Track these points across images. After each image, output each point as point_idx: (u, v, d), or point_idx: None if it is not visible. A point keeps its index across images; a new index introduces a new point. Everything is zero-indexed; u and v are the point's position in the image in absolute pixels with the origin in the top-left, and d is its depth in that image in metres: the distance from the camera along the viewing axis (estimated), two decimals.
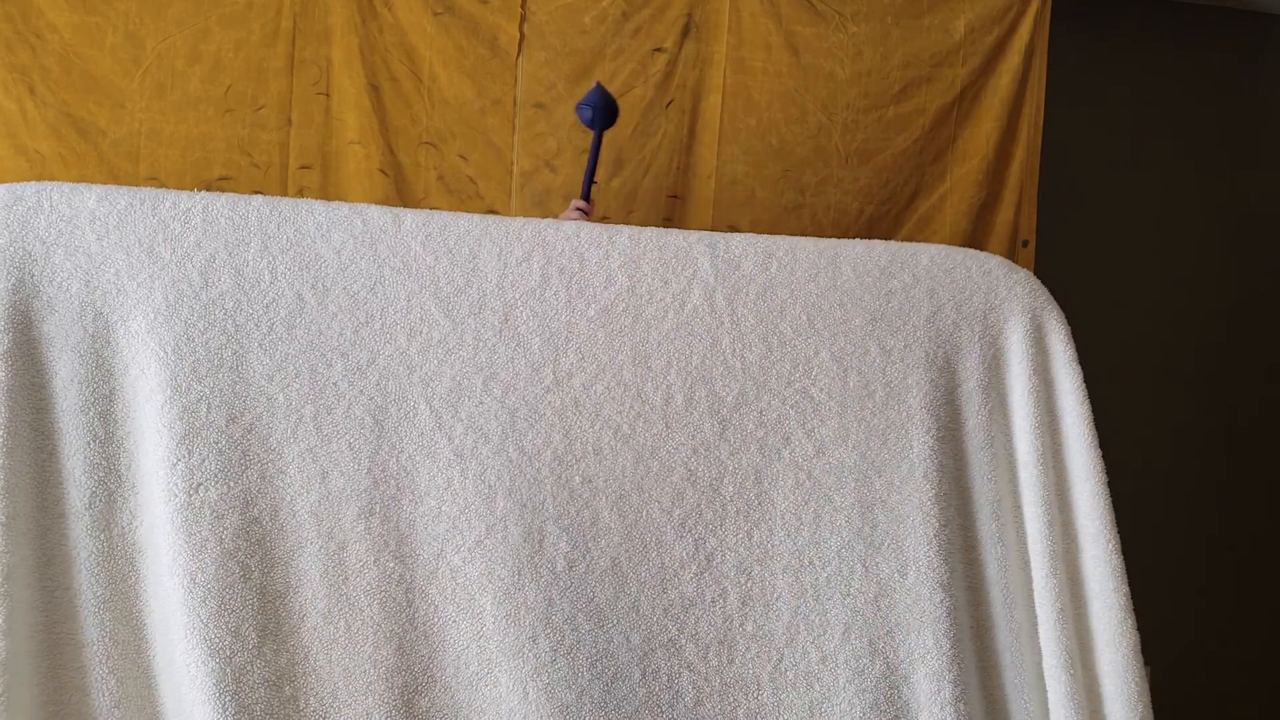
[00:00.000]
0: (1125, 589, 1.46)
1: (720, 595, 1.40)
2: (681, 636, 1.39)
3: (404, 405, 1.37)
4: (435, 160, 2.20)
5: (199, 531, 1.28)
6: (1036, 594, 1.46)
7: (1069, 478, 1.50)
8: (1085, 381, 1.51)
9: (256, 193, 2.08)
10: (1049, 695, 1.43)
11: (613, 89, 2.26)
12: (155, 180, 2.08)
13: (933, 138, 2.37)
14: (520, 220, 1.47)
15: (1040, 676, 1.46)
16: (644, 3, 2.27)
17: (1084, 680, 1.43)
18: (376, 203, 2.01)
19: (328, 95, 2.18)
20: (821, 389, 1.46)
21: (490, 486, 1.37)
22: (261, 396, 1.34)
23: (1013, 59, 2.38)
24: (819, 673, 1.41)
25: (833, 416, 1.46)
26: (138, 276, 1.33)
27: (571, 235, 1.45)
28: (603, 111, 1.91)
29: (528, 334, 1.41)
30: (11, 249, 1.31)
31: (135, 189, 1.38)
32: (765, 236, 1.52)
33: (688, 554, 1.41)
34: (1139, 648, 1.45)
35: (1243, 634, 2.86)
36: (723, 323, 1.46)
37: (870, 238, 1.63)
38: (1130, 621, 1.45)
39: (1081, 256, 2.73)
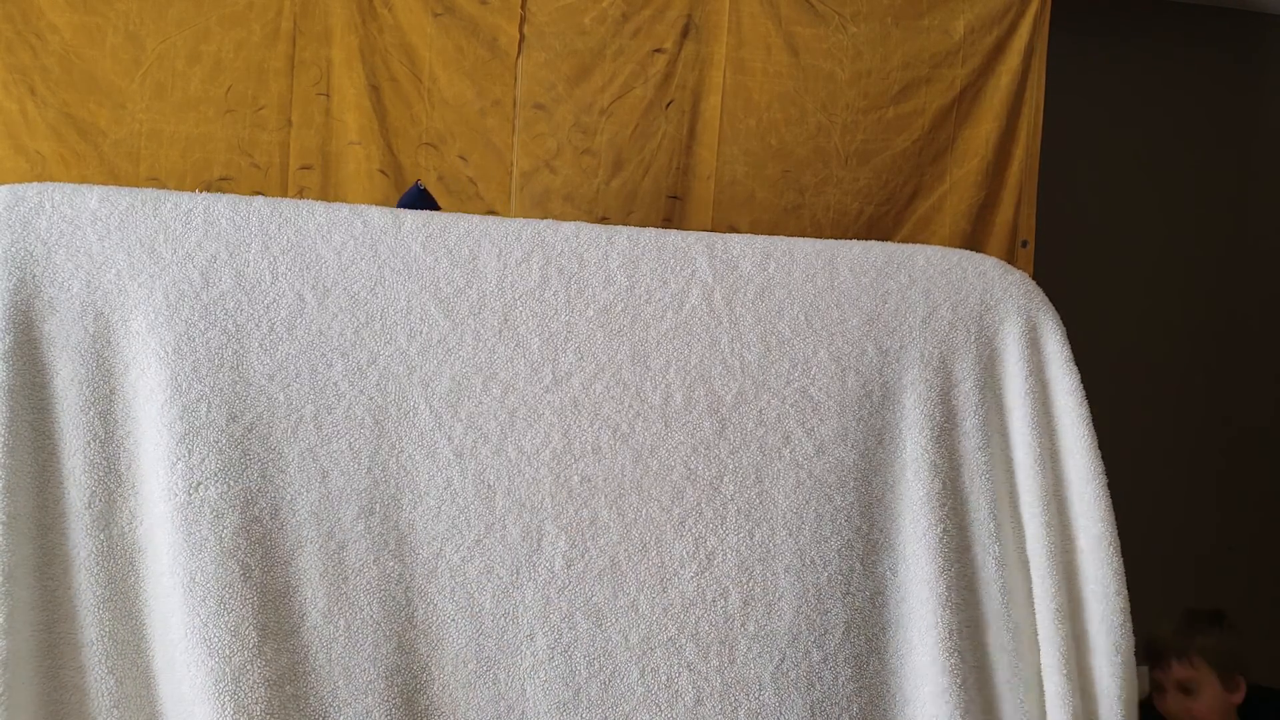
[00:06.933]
0: (1124, 591, 1.46)
1: (721, 595, 1.41)
2: (681, 636, 1.39)
3: (404, 405, 1.37)
4: (435, 161, 2.21)
5: (198, 531, 1.29)
6: (1035, 594, 1.46)
7: (1067, 479, 1.50)
8: (1084, 382, 1.51)
9: (257, 193, 2.08)
10: (1045, 695, 1.44)
11: (613, 89, 2.27)
12: (156, 181, 2.09)
13: (932, 138, 2.37)
14: (520, 221, 1.47)
15: (1037, 676, 1.46)
16: (644, 3, 2.28)
17: (1079, 681, 1.43)
18: (376, 203, 2.01)
19: (328, 96, 2.18)
20: (820, 388, 1.47)
21: (489, 486, 1.38)
22: (262, 396, 1.34)
23: (1012, 59, 2.38)
24: (820, 672, 1.41)
25: (832, 416, 1.46)
26: (139, 277, 1.34)
27: (571, 236, 1.46)
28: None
29: (527, 334, 1.41)
30: (13, 249, 1.31)
31: (137, 190, 1.38)
32: (763, 237, 1.52)
33: (688, 553, 1.41)
34: (1133, 650, 1.46)
35: (1242, 635, 2.86)
36: (721, 322, 1.46)
37: (870, 238, 1.64)
38: (1129, 624, 1.46)
39: (1081, 257, 2.73)
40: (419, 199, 1.80)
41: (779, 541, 1.43)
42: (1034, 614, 1.47)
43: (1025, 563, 1.48)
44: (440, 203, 2.20)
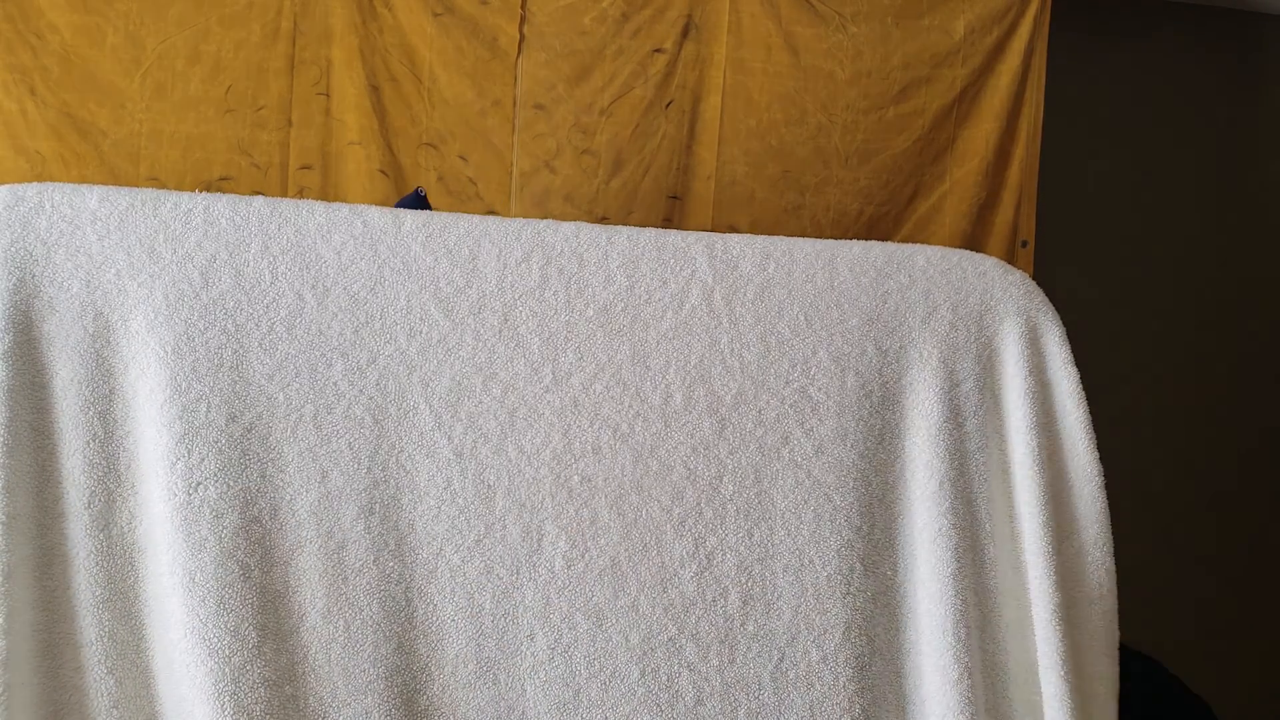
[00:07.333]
0: (1114, 590, 1.47)
1: (721, 594, 1.41)
2: (681, 636, 1.39)
3: (404, 405, 1.37)
4: (435, 161, 2.21)
5: (198, 531, 1.29)
6: (1031, 594, 1.46)
7: (1065, 479, 1.50)
8: (1083, 382, 1.51)
9: (257, 193, 2.08)
10: (1043, 695, 1.44)
11: (612, 89, 2.26)
12: (155, 181, 2.09)
13: (932, 138, 2.37)
14: (520, 221, 1.47)
15: (1035, 676, 1.46)
16: (644, 3, 2.28)
17: (1075, 682, 1.43)
18: (376, 203, 2.01)
19: (328, 96, 2.18)
20: (820, 388, 1.47)
21: (489, 486, 1.38)
22: (261, 396, 1.34)
23: (1012, 59, 2.38)
24: (820, 672, 1.41)
25: (831, 416, 1.46)
26: (138, 277, 1.34)
27: (571, 236, 1.46)
28: None
29: (527, 334, 1.41)
30: (13, 249, 1.31)
31: (136, 190, 1.38)
32: (763, 237, 1.52)
33: (687, 553, 1.41)
34: (1117, 646, 1.47)
35: (1241, 635, 2.86)
36: (721, 322, 1.46)
37: (870, 238, 1.64)
38: (1115, 622, 1.47)
39: (1081, 257, 2.73)
40: (416, 205, 1.81)
41: (777, 541, 1.43)
42: (1031, 614, 1.47)
43: (1021, 564, 1.48)
44: (440, 203, 2.20)
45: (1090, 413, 1.51)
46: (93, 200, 1.35)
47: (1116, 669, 1.46)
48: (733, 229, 2.26)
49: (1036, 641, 1.45)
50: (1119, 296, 2.80)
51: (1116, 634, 1.47)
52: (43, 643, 1.26)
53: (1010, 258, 2.36)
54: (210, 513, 1.30)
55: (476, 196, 2.22)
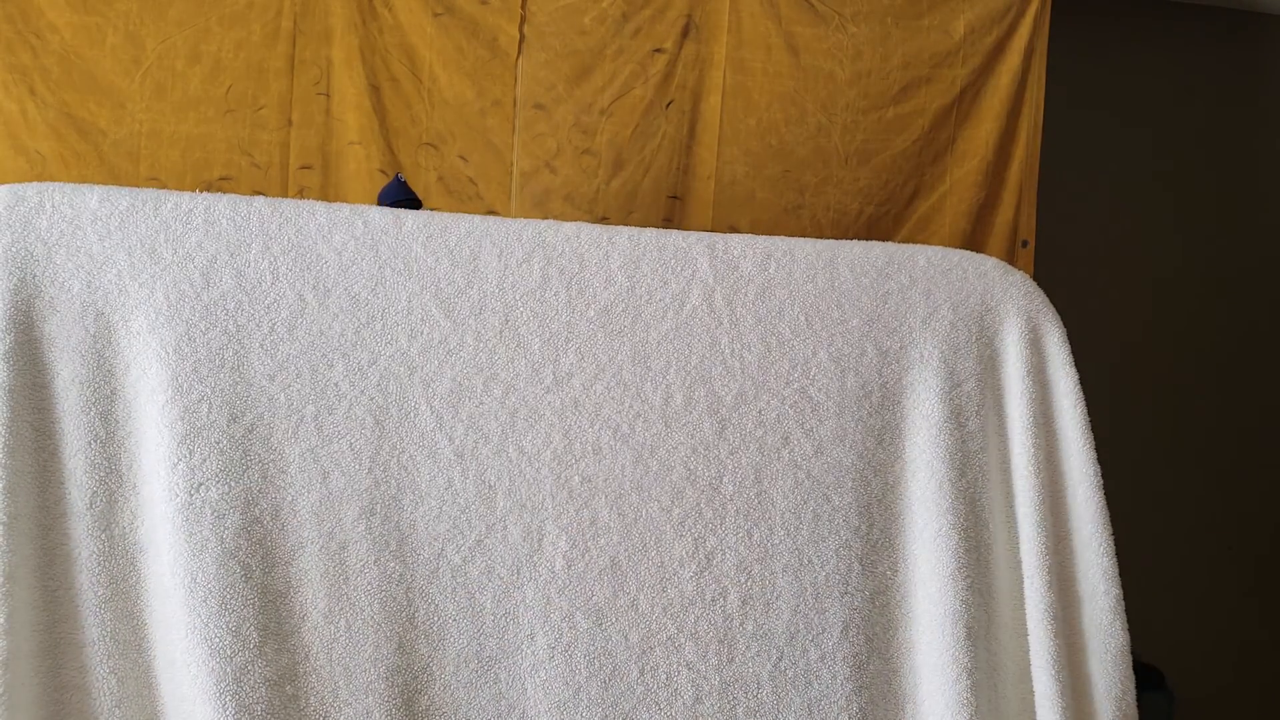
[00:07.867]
0: (1116, 591, 1.46)
1: (720, 594, 1.41)
2: (681, 635, 1.39)
3: (405, 405, 1.37)
4: (435, 161, 2.21)
5: (200, 531, 1.29)
6: (1025, 593, 1.46)
7: (1063, 480, 1.50)
8: (1083, 383, 1.52)
9: (257, 193, 2.08)
10: (1036, 694, 1.44)
11: (612, 89, 2.27)
12: (156, 180, 2.09)
13: (932, 138, 2.38)
14: (520, 221, 1.47)
15: (1029, 675, 1.46)
16: (644, 3, 2.28)
17: (1071, 682, 1.43)
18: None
19: (328, 96, 2.18)
20: (820, 389, 1.47)
21: (490, 486, 1.38)
22: (263, 396, 1.34)
23: (1012, 59, 2.38)
24: (818, 670, 1.41)
25: (831, 417, 1.47)
26: (139, 277, 1.34)
27: (571, 236, 1.46)
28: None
29: (528, 334, 1.42)
30: (13, 249, 1.31)
31: (137, 190, 1.38)
32: (764, 237, 1.52)
33: (687, 553, 1.41)
34: (1128, 649, 1.46)
35: (1242, 634, 2.87)
36: (721, 323, 1.46)
37: (870, 238, 1.64)
38: (1119, 623, 1.46)
39: (1081, 257, 2.74)
40: (398, 192, 1.80)
41: (777, 541, 1.43)
42: (1025, 613, 1.47)
43: (1018, 563, 1.48)
44: (440, 203, 2.20)
45: (1089, 413, 1.51)
46: (93, 200, 1.35)
47: (1119, 671, 1.46)
48: (733, 229, 2.27)
49: (1030, 641, 1.45)
50: (1119, 296, 2.80)
51: (1119, 636, 1.46)
52: (44, 643, 1.26)
53: (1010, 258, 2.36)
54: (212, 513, 1.30)
55: (476, 196, 2.22)
